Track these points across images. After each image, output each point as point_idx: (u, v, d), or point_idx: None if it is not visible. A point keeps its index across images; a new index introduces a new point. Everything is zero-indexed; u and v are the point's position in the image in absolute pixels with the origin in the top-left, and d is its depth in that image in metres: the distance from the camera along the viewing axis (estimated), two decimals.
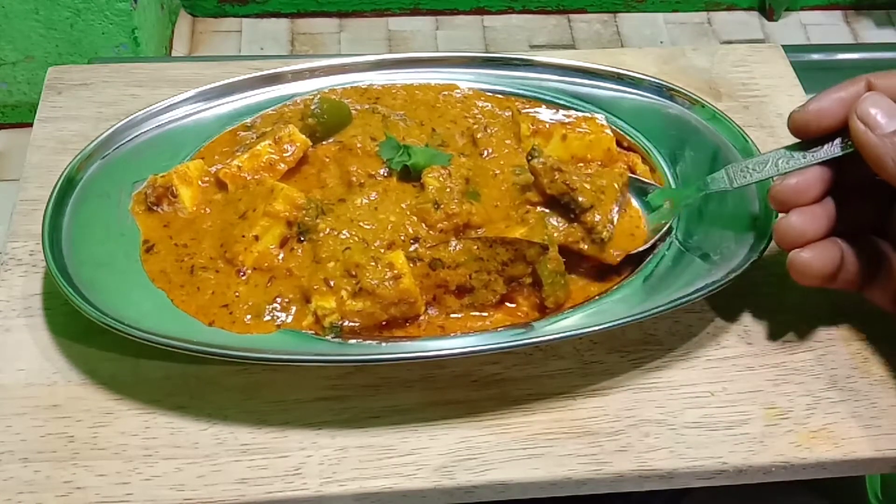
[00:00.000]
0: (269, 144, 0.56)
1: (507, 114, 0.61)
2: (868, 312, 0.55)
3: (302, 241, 0.53)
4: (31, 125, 0.64)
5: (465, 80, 0.64)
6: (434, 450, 0.48)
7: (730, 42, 1.93)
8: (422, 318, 0.52)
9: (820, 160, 0.49)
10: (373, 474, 0.47)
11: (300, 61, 0.64)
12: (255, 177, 0.56)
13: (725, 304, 0.55)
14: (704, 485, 0.49)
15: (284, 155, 0.57)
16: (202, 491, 0.46)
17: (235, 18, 1.92)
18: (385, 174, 0.56)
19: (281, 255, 0.53)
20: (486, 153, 0.58)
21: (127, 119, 0.59)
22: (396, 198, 0.54)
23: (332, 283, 0.50)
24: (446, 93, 0.63)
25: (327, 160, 0.57)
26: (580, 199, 0.53)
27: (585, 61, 0.65)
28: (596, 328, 0.49)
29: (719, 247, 0.53)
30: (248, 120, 0.61)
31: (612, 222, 0.53)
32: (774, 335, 0.54)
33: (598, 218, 0.53)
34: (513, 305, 0.53)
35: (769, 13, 2.00)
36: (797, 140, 0.50)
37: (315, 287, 0.50)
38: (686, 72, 0.69)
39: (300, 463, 0.48)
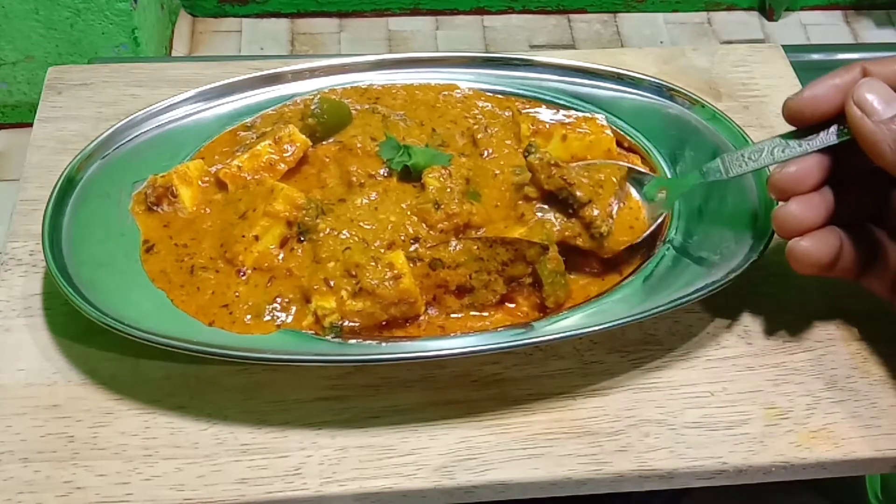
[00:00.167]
0: (269, 144, 0.56)
1: (507, 114, 0.61)
2: (868, 312, 0.55)
3: (302, 241, 0.53)
4: (31, 125, 0.64)
5: (465, 80, 0.64)
6: (434, 450, 0.48)
7: (730, 42, 1.93)
8: (422, 318, 0.52)
9: (816, 149, 0.48)
10: (373, 474, 0.47)
11: (300, 61, 0.64)
12: (255, 177, 0.56)
13: (725, 304, 0.55)
14: (704, 485, 0.49)
15: (284, 155, 0.57)
16: (202, 491, 0.46)
17: (235, 18, 1.92)
18: (385, 174, 0.56)
19: (281, 255, 0.53)
20: (486, 153, 0.58)
21: (127, 119, 0.59)
22: (396, 198, 0.54)
23: (332, 283, 0.50)
24: (446, 93, 0.63)
25: (327, 160, 0.57)
26: (578, 193, 0.53)
27: (585, 61, 0.65)
28: (596, 328, 0.49)
29: (719, 247, 0.53)
30: (248, 120, 0.61)
31: (611, 216, 0.53)
32: (774, 335, 0.54)
33: (596, 212, 0.52)
34: (513, 305, 0.53)
35: (769, 13, 2.00)
36: (792, 129, 0.49)
37: (315, 287, 0.50)
38: (686, 72, 0.70)
39: (300, 463, 0.48)
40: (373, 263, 0.50)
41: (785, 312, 0.55)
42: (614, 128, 0.60)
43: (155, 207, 0.55)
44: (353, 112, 0.59)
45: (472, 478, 0.47)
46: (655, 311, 0.49)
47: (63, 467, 0.47)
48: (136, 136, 0.59)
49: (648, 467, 0.48)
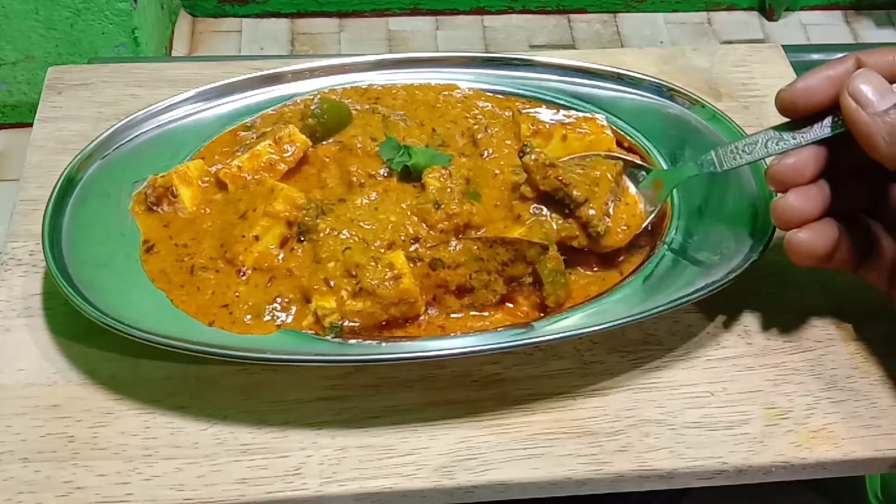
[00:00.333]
0: (270, 144, 0.56)
1: (507, 114, 0.61)
2: (868, 312, 0.55)
3: (302, 241, 0.53)
4: (31, 125, 0.64)
5: (466, 80, 0.64)
6: (434, 450, 0.48)
7: (730, 42, 1.93)
8: (422, 318, 0.52)
9: (810, 141, 0.48)
10: (373, 474, 0.47)
11: (300, 61, 0.64)
12: (256, 177, 0.56)
13: (725, 304, 0.55)
14: (704, 485, 0.49)
15: (284, 155, 0.57)
16: (202, 491, 0.46)
17: (235, 18, 1.92)
18: (385, 174, 0.56)
19: (281, 255, 0.53)
20: (486, 154, 0.58)
21: (127, 119, 0.59)
22: (397, 198, 0.54)
23: (332, 283, 0.50)
24: (446, 93, 0.63)
25: (327, 160, 0.57)
26: (574, 193, 0.52)
27: (585, 61, 0.65)
28: (596, 328, 0.49)
29: (719, 247, 0.53)
30: (248, 120, 0.61)
31: (607, 214, 0.53)
32: (774, 335, 0.54)
33: (592, 212, 0.52)
34: (513, 305, 0.53)
35: (769, 13, 2.00)
36: (785, 120, 0.49)
37: (315, 287, 0.50)
38: (686, 72, 0.70)
39: (300, 463, 0.48)
40: (373, 263, 0.50)
41: (785, 312, 0.55)
42: (614, 128, 0.60)
43: (155, 207, 0.55)
44: (353, 112, 0.59)
45: (472, 478, 0.47)
46: (655, 311, 0.49)
47: (63, 467, 0.47)
48: (136, 136, 0.59)
49: (648, 467, 0.48)
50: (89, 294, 0.50)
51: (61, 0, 1.49)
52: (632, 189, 0.56)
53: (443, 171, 0.55)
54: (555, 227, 0.53)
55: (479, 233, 0.54)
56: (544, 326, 0.50)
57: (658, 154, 0.59)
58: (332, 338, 0.49)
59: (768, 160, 0.50)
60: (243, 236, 0.52)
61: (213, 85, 0.62)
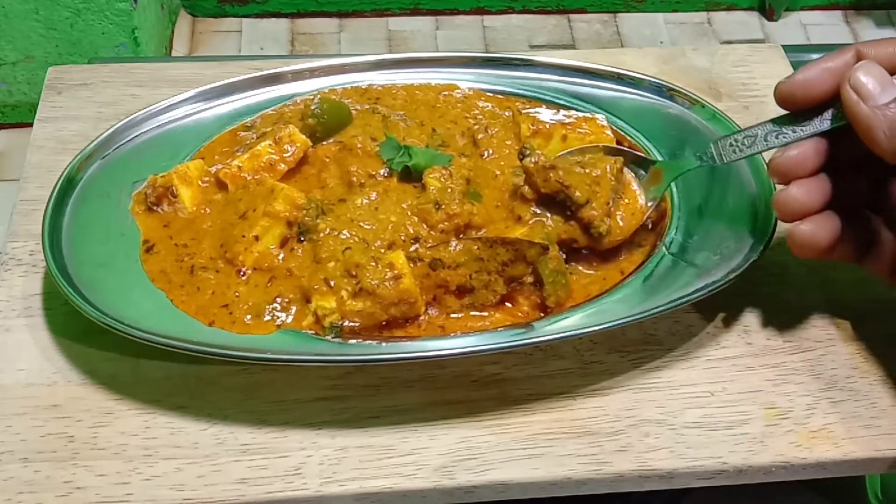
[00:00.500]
0: (270, 144, 0.56)
1: (507, 114, 0.61)
2: (868, 312, 0.55)
3: (302, 241, 0.53)
4: (31, 125, 0.64)
5: (466, 81, 0.64)
6: (434, 450, 0.48)
7: (730, 42, 1.93)
8: (422, 318, 0.52)
9: (809, 134, 0.48)
10: (373, 474, 0.47)
11: (300, 61, 0.64)
12: (256, 177, 0.56)
13: (725, 304, 0.55)
14: (704, 485, 0.49)
15: (284, 155, 0.57)
16: (202, 491, 0.46)
17: (235, 18, 1.92)
18: (385, 174, 0.56)
19: (281, 255, 0.53)
20: (486, 154, 0.58)
21: (127, 119, 0.59)
22: (397, 198, 0.54)
23: (332, 283, 0.50)
24: (446, 93, 0.63)
25: (327, 160, 0.57)
26: (575, 194, 0.52)
27: (585, 61, 0.65)
28: (596, 328, 0.49)
29: (719, 246, 0.53)
30: (248, 120, 0.61)
31: (608, 214, 0.53)
32: (774, 335, 0.54)
33: (594, 213, 0.52)
34: (513, 305, 0.53)
35: (769, 13, 2.00)
36: (784, 113, 0.49)
37: (315, 287, 0.50)
38: (686, 72, 0.69)
39: (300, 463, 0.48)
40: (373, 263, 0.50)
41: (785, 312, 0.55)
42: (614, 128, 0.60)
43: (155, 207, 0.55)
44: (354, 112, 0.59)
45: (472, 478, 0.47)
46: (655, 311, 0.49)
47: (63, 467, 0.47)
48: (136, 136, 0.59)
49: (648, 467, 0.48)
50: (89, 294, 0.50)
51: (61, 0, 1.49)
52: (633, 184, 0.56)
53: (443, 172, 0.55)
54: (557, 227, 0.53)
55: (479, 233, 0.54)
56: (544, 326, 0.50)
57: (658, 154, 0.59)
58: (332, 338, 0.49)
59: (768, 154, 0.50)
60: (243, 236, 0.52)
61: (213, 85, 0.62)
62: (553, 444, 0.49)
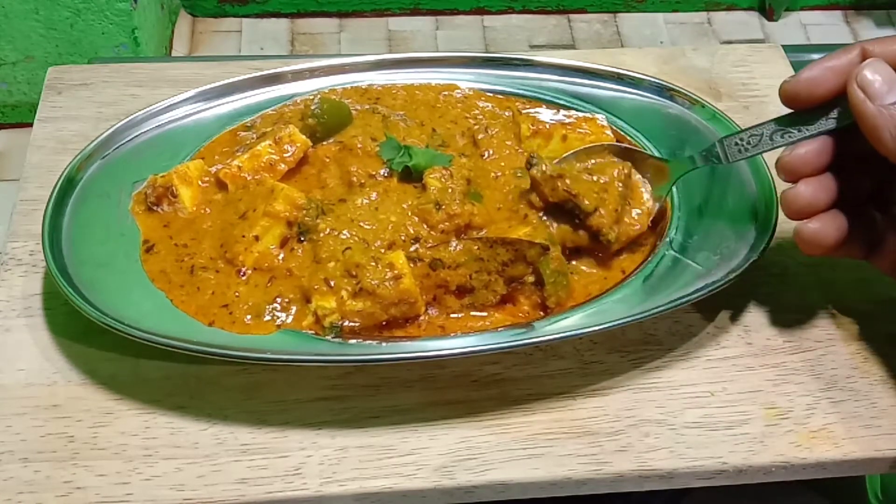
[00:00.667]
0: (270, 145, 0.56)
1: (507, 114, 0.61)
2: (868, 312, 0.55)
3: (302, 241, 0.53)
4: (31, 125, 0.64)
5: (466, 80, 0.64)
6: (434, 450, 0.48)
7: (730, 42, 1.93)
8: (422, 318, 0.52)
9: (814, 133, 0.48)
10: (373, 474, 0.47)
11: (300, 61, 0.64)
12: (256, 177, 0.56)
13: (725, 304, 0.55)
14: (704, 485, 0.49)
15: (285, 155, 0.56)
16: (202, 491, 0.46)
17: (235, 18, 1.92)
18: (385, 174, 0.56)
19: (281, 255, 0.53)
20: (486, 154, 0.58)
21: (127, 119, 0.59)
22: (397, 198, 0.54)
23: (332, 283, 0.50)
24: (446, 93, 0.63)
25: (327, 160, 0.57)
26: (584, 203, 0.52)
27: (585, 61, 0.65)
28: (596, 328, 0.49)
29: (719, 246, 0.53)
30: (248, 120, 0.61)
31: (617, 221, 0.53)
32: (774, 335, 0.54)
33: (603, 220, 0.52)
34: (513, 305, 0.53)
35: (769, 13, 2.00)
36: (789, 111, 0.49)
37: (315, 287, 0.50)
38: (686, 72, 0.69)
39: (300, 463, 0.48)
40: (373, 263, 0.50)
41: (785, 312, 0.55)
42: (614, 128, 0.60)
43: (155, 207, 0.55)
44: (354, 112, 0.59)
45: (472, 478, 0.47)
46: (655, 311, 0.49)
47: (63, 467, 0.47)
48: (136, 136, 0.59)
49: (648, 467, 0.48)
50: (89, 294, 0.50)
51: (61, 0, 1.49)
52: (641, 187, 0.55)
53: (444, 172, 0.55)
54: (565, 235, 0.53)
55: (480, 233, 0.54)
56: (544, 326, 0.50)
57: (658, 154, 0.59)
58: (332, 338, 0.49)
59: (770, 153, 0.50)
60: (243, 236, 0.52)
61: (213, 85, 0.62)
62: (553, 444, 0.49)
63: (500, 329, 0.51)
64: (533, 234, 0.53)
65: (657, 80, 0.63)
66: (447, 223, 0.53)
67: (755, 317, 0.55)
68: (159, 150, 0.58)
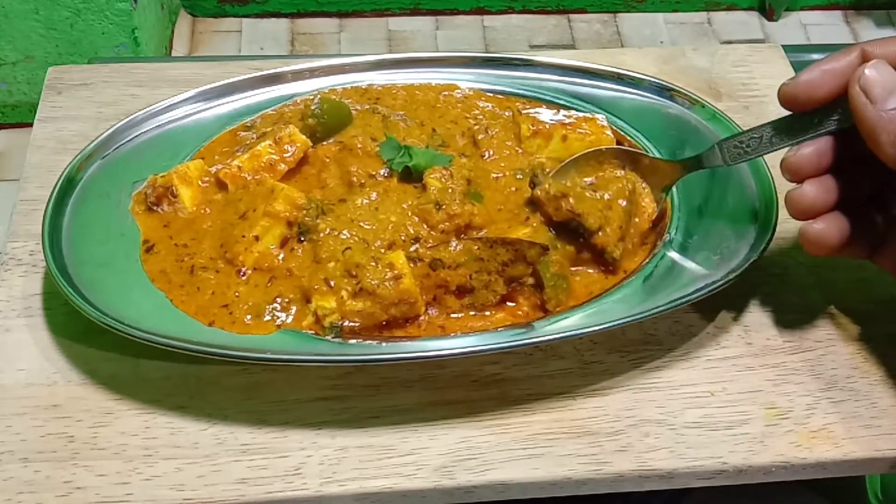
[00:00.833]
0: (270, 145, 0.56)
1: (507, 114, 0.61)
2: (868, 312, 0.55)
3: (302, 241, 0.53)
4: (31, 125, 0.64)
5: (466, 81, 0.64)
6: (434, 450, 0.48)
7: (730, 42, 1.93)
8: (422, 318, 0.52)
9: (814, 135, 0.48)
10: (373, 474, 0.47)
11: (300, 61, 0.64)
12: (256, 177, 0.56)
13: (725, 304, 0.55)
14: (704, 485, 0.49)
15: (285, 155, 0.56)
16: (202, 491, 0.46)
17: (235, 18, 1.92)
18: (386, 174, 0.56)
19: (281, 256, 0.53)
20: (486, 155, 0.58)
21: (127, 119, 0.59)
22: (397, 198, 0.54)
23: (332, 283, 0.50)
24: (447, 93, 0.63)
25: (328, 160, 0.57)
26: (588, 222, 0.52)
27: (585, 61, 0.65)
28: (596, 328, 0.49)
29: (719, 246, 0.53)
30: (248, 120, 0.61)
31: (622, 238, 0.53)
32: (774, 335, 0.54)
33: (608, 239, 0.52)
34: (513, 305, 0.53)
35: (769, 13, 2.00)
36: (788, 113, 0.49)
37: (315, 287, 0.50)
38: (686, 72, 0.69)
39: (300, 463, 0.48)
40: (373, 263, 0.50)
41: (785, 312, 0.55)
42: (614, 128, 0.60)
43: (155, 207, 0.55)
44: (354, 112, 0.59)
45: (472, 478, 0.47)
46: (655, 311, 0.49)
47: (63, 467, 0.47)
48: (136, 136, 0.59)
49: (648, 467, 0.48)
50: (89, 294, 0.50)
51: (61, 0, 1.49)
52: (645, 199, 0.55)
53: (444, 172, 0.55)
54: (569, 253, 0.53)
55: (480, 233, 0.54)
56: (544, 326, 0.50)
57: (658, 154, 0.59)
58: (332, 338, 0.49)
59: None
60: (243, 236, 0.52)
61: (213, 85, 0.62)
62: (553, 444, 0.49)
63: (500, 329, 0.51)
64: (533, 234, 0.53)
65: (657, 80, 0.63)
66: (447, 223, 0.53)
67: (755, 317, 0.55)
68: (159, 150, 0.58)
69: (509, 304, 0.53)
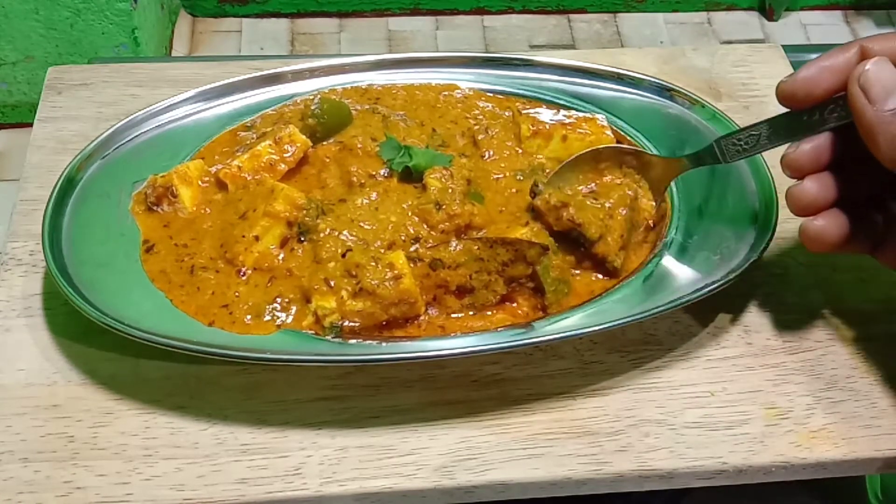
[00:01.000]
0: (270, 145, 0.56)
1: (507, 114, 0.61)
2: (868, 312, 0.55)
3: (302, 241, 0.53)
4: (31, 125, 0.64)
5: (466, 81, 0.64)
6: (434, 450, 0.48)
7: (730, 42, 1.93)
8: (422, 318, 0.52)
9: (812, 132, 0.47)
10: (373, 474, 0.47)
11: (300, 61, 0.64)
12: (256, 177, 0.56)
13: (725, 304, 0.55)
14: (704, 485, 0.49)
15: (285, 155, 0.56)
16: (202, 491, 0.46)
17: (235, 18, 1.92)
18: (386, 174, 0.56)
19: (281, 256, 0.53)
20: (487, 155, 0.58)
21: (127, 119, 0.59)
22: (397, 198, 0.54)
23: (332, 283, 0.50)
24: (447, 93, 0.63)
25: (328, 160, 0.57)
26: (589, 232, 0.52)
27: (585, 61, 0.65)
28: (596, 328, 0.49)
29: (719, 246, 0.53)
30: (248, 120, 0.61)
31: (623, 247, 0.53)
32: (774, 335, 0.54)
33: (608, 248, 0.52)
34: (513, 305, 0.53)
35: (769, 13, 2.00)
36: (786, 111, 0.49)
37: (315, 287, 0.50)
38: (686, 72, 0.69)
39: (300, 463, 0.48)
40: (373, 263, 0.50)
41: (785, 312, 0.55)
42: (614, 128, 0.60)
43: (155, 207, 0.55)
44: (354, 112, 0.59)
45: (472, 478, 0.47)
46: (655, 311, 0.49)
47: (63, 467, 0.47)
48: (136, 136, 0.59)
49: (648, 467, 0.48)
50: (89, 294, 0.50)
51: (61, 0, 1.49)
52: (643, 199, 0.55)
53: (444, 172, 0.55)
54: (571, 262, 0.54)
55: (480, 233, 0.54)
56: (544, 326, 0.50)
57: (658, 154, 0.59)
58: (332, 338, 0.49)
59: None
60: (243, 236, 0.52)
61: (213, 85, 0.62)
62: (553, 444, 0.49)
63: (500, 329, 0.51)
64: (532, 234, 0.53)
65: (657, 80, 0.63)
66: (447, 223, 0.53)
67: (755, 317, 0.55)
68: (159, 150, 0.58)
69: (509, 304, 0.53)
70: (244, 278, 0.52)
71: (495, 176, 0.57)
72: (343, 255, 0.51)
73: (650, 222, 0.55)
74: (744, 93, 0.68)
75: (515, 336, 0.49)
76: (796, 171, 0.48)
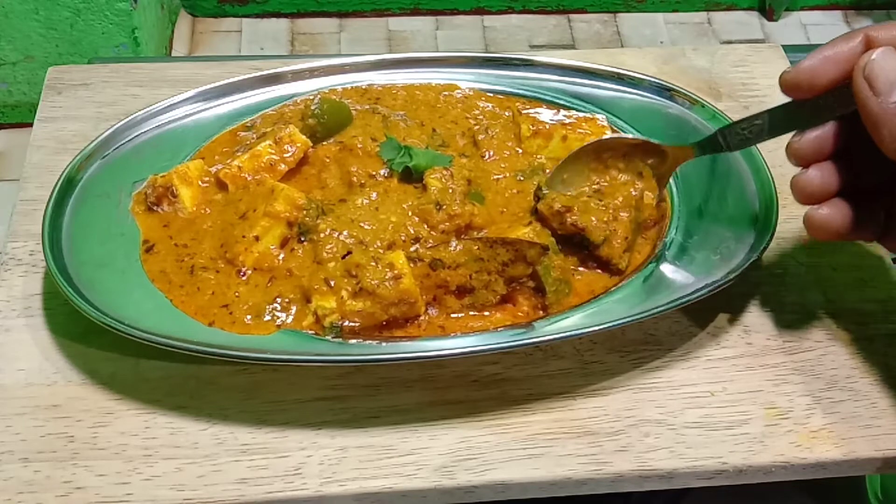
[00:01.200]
0: (270, 145, 0.56)
1: (507, 114, 0.61)
2: (868, 312, 0.55)
3: (302, 241, 0.53)
4: (31, 125, 0.64)
5: (466, 81, 0.64)
6: (434, 450, 0.48)
7: (730, 42, 1.93)
8: (422, 318, 0.52)
9: (817, 121, 0.47)
10: (373, 474, 0.47)
11: (300, 61, 0.64)
12: (256, 177, 0.56)
13: (725, 304, 0.55)
14: (704, 485, 0.49)
15: (285, 155, 0.57)
16: (202, 491, 0.46)
17: (235, 18, 1.92)
18: (386, 175, 0.56)
19: (281, 256, 0.53)
20: (487, 155, 0.58)
21: (127, 119, 0.59)
22: (397, 198, 0.54)
23: (332, 283, 0.50)
24: (447, 93, 0.63)
25: (328, 160, 0.57)
26: (593, 236, 0.52)
27: (585, 61, 0.65)
28: (596, 328, 0.49)
29: (719, 247, 0.53)
30: (248, 120, 0.61)
31: (628, 248, 0.53)
32: (774, 335, 0.54)
33: (613, 251, 0.52)
34: (513, 305, 0.53)
35: (769, 13, 2.00)
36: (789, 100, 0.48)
37: (315, 287, 0.50)
38: (686, 72, 0.69)
39: (300, 463, 0.48)
40: (373, 264, 0.50)
41: (785, 312, 0.55)
42: (614, 128, 0.60)
43: (155, 207, 0.55)
44: (354, 112, 0.59)
45: (472, 478, 0.47)
46: (655, 311, 0.49)
47: (63, 467, 0.47)
48: (136, 136, 0.59)
49: (648, 467, 0.48)
50: (89, 294, 0.50)
51: (61, 0, 1.49)
52: (648, 194, 0.55)
53: (444, 172, 0.55)
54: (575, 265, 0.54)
55: (480, 233, 0.54)
56: (544, 326, 0.50)
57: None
58: (332, 338, 0.49)
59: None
60: (243, 236, 0.52)
61: (213, 85, 0.62)
62: (553, 444, 0.49)
63: (500, 329, 0.51)
64: (532, 234, 0.53)
65: (657, 80, 0.63)
66: (447, 223, 0.53)
67: (755, 317, 0.55)
68: (159, 150, 0.58)
69: (509, 304, 0.53)
70: (244, 278, 0.52)
71: (495, 176, 0.57)
72: (343, 256, 0.51)
73: (651, 222, 0.55)
74: (744, 93, 0.68)
75: (515, 336, 0.49)
76: (801, 160, 0.48)
